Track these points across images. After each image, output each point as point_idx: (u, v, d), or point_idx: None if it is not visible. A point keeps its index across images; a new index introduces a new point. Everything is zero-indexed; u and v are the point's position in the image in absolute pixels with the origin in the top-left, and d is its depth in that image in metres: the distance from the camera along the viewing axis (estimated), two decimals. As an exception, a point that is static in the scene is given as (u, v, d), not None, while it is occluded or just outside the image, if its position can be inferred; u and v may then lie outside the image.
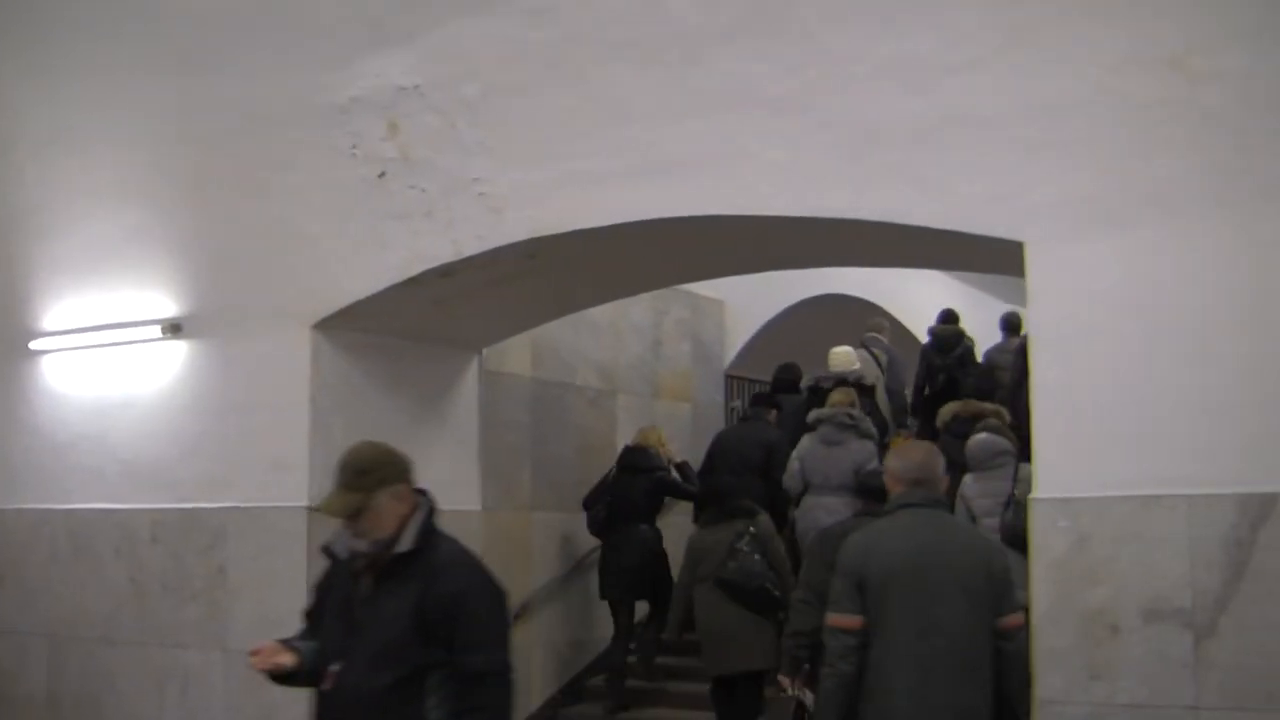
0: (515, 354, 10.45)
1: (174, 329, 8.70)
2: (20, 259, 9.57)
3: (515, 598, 10.06)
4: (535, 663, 10.77)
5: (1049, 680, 5.75)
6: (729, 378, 13.96)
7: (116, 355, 9.04)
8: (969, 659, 5.49)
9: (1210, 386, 5.61)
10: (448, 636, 4.75)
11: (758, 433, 11.30)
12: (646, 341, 12.46)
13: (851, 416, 10.19)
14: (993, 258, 6.63)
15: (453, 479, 9.16)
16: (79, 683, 9.06)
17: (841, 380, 11.23)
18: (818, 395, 11.15)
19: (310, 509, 8.04)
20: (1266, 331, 5.54)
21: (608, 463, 11.45)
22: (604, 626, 11.30)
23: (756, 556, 9.08)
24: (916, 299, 16.01)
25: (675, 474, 11.20)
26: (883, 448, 10.10)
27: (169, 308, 8.78)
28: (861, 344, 12.59)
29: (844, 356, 11.81)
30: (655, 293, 11.96)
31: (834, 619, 5.76)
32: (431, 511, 5.11)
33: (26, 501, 9.44)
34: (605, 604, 11.16)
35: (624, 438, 11.76)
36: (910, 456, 6.11)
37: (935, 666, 5.47)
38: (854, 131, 6.54)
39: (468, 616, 4.78)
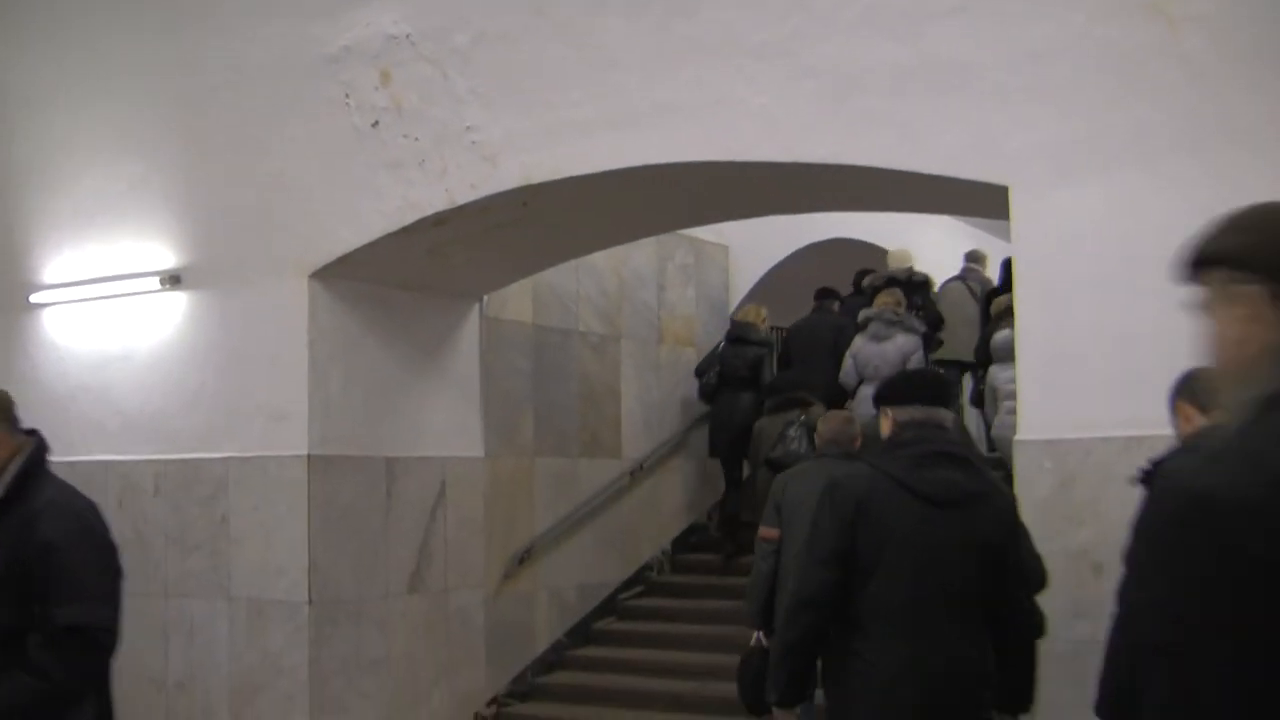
0: (516, 301, 10.48)
1: (173, 280, 8.75)
2: (18, 213, 9.61)
3: (518, 543, 10.20)
4: (540, 608, 10.86)
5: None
6: (734, 323, 13.94)
7: (116, 308, 9.09)
8: None
9: (1192, 329, 5.60)
10: (42, 592, 4.33)
11: (825, 319, 12.40)
12: (650, 287, 12.47)
13: (897, 314, 11.06)
14: (978, 202, 6.64)
15: (455, 426, 9.24)
16: (84, 633, 9.12)
17: (892, 280, 12.14)
18: (868, 296, 12.10)
19: (310, 457, 8.13)
20: (1244, 274, 5.53)
21: (611, 409, 11.51)
22: (607, 571, 11.44)
23: (803, 441, 9.77)
24: (924, 243, 15.97)
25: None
26: (929, 339, 11.41)
27: (167, 259, 8.82)
28: (959, 277, 13.46)
29: (900, 256, 12.92)
30: (658, 238, 12.01)
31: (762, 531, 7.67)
32: (37, 457, 4.65)
33: (29, 454, 9.45)
34: (612, 547, 11.66)
35: (627, 383, 11.83)
36: (829, 424, 7.93)
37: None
38: (839, 78, 6.55)
39: (59, 568, 4.34)
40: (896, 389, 5.52)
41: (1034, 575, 5.59)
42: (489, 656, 9.33)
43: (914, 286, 12.17)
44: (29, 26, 9.56)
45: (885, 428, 5.44)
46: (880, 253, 14.87)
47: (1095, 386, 5.85)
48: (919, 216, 13.90)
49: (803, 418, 10.02)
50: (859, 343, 11.08)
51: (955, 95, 6.24)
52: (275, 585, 8.25)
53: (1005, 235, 6.33)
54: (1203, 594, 2.17)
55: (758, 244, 13.98)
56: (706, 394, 12.26)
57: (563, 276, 10.95)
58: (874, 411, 9.54)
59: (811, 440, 9.56)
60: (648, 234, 10.30)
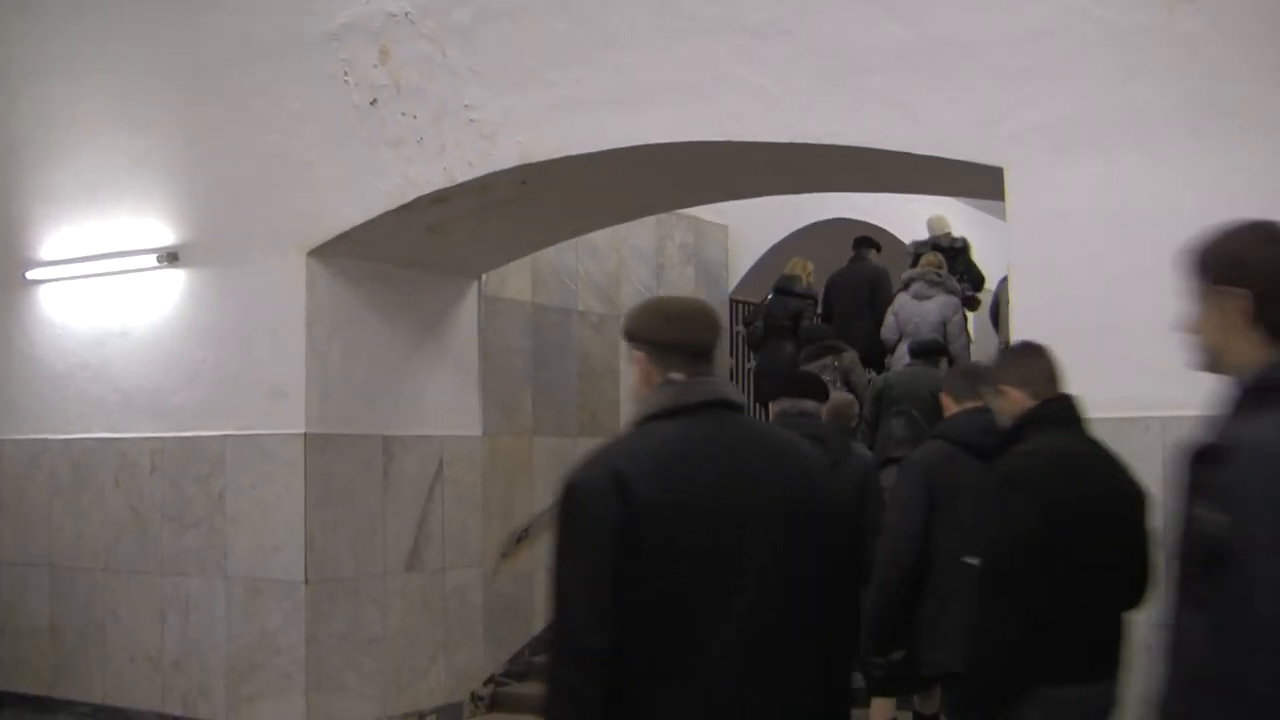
0: (515, 279, 10.45)
1: (170, 257, 8.75)
2: (15, 189, 9.62)
3: (516, 522, 10.19)
4: (538, 587, 10.83)
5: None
6: (734, 302, 13.92)
7: (113, 284, 9.09)
8: None
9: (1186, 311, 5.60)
10: None
11: (861, 270, 12.76)
12: (650, 266, 12.44)
13: (939, 275, 11.54)
14: (974, 182, 6.64)
15: (454, 405, 9.24)
16: (81, 612, 9.18)
17: (935, 245, 12.80)
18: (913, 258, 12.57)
19: (307, 435, 8.14)
20: (1241, 256, 5.54)
21: (610, 388, 11.49)
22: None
23: (838, 383, 10.03)
24: (923, 223, 15.95)
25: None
26: (969, 300, 12.16)
27: (165, 236, 8.82)
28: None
29: (938, 222, 13.57)
30: (658, 217, 11.98)
31: None
32: None
33: (26, 432, 9.54)
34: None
35: (626, 363, 11.75)
36: (833, 402, 7.71)
37: None
38: (838, 58, 6.55)
39: None
40: (775, 386, 6.83)
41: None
42: (486, 635, 9.34)
43: (955, 252, 12.87)
44: (26, 2, 9.54)
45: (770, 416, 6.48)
46: (879, 232, 14.89)
47: (1089, 366, 5.82)
48: (919, 196, 13.87)
49: (835, 363, 10.47)
50: (902, 299, 11.57)
51: (954, 75, 6.24)
52: (272, 563, 8.25)
53: (1002, 215, 6.31)
54: None
55: (758, 223, 13.94)
56: (754, 343, 12.72)
57: (562, 255, 10.92)
58: (909, 364, 10.37)
59: (846, 383, 10.22)
60: (647, 213, 10.30)
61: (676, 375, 3.29)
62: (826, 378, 9.93)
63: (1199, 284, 2.97)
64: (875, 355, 11.61)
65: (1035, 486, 4.19)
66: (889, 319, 11.64)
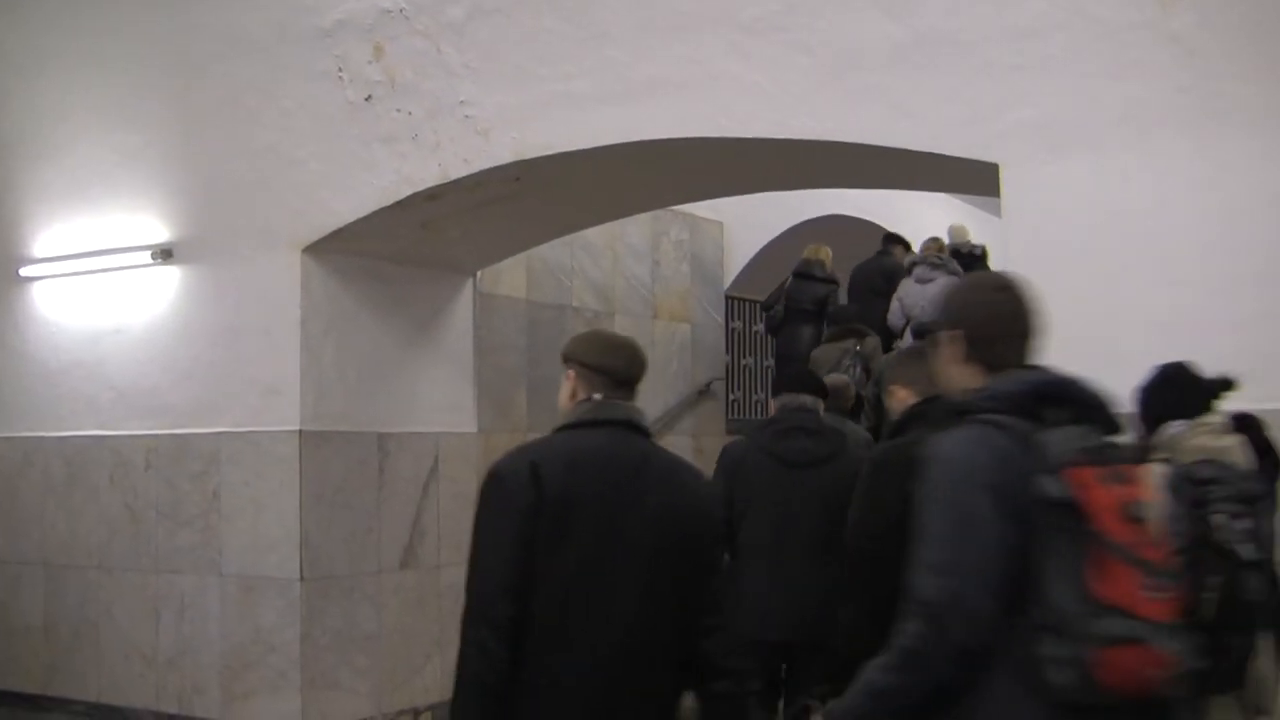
0: (510, 276, 10.44)
1: (165, 254, 8.73)
2: (8, 185, 9.60)
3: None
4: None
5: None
6: (729, 299, 13.93)
7: (107, 281, 9.07)
8: None
9: (1178, 308, 5.63)
10: None
11: (879, 263, 13.30)
12: (645, 263, 12.44)
13: (940, 258, 12.10)
14: (969, 179, 6.64)
15: (448, 402, 9.23)
16: (75, 611, 9.16)
17: (955, 252, 13.28)
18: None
19: (302, 432, 8.13)
20: (1234, 254, 5.56)
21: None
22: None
23: (857, 367, 10.60)
24: (919, 220, 15.97)
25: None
26: None
27: (159, 233, 8.80)
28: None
29: (959, 231, 14.26)
30: (653, 214, 11.96)
31: None
32: None
33: (19, 430, 9.50)
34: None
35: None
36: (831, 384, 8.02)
37: None
38: (832, 54, 6.54)
39: None
40: (775, 383, 7.37)
41: None
42: (481, 632, 9.30)
43: (973, 259, 13.38)
44: (19, -2, 9.55)
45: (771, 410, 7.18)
46: (874, 228, 14.94)
47: (1079, 362, 5.78)
48: (915, 193, 13.89)
49: (858, 347, 10.84)
50: (906, 285, 12.01)
51: (948, 72, 6.24)
52: (267, 561, 8.24)
53: (997, 211, 6.31)
54: None
55: (753, 220, 13.95)
56: (773, 327, 13.04)
57: (557, 252, 10.92)
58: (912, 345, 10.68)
59: (865, 369, 10.56)
60: (642, 210, 10.28)
61: (596, 395, 3.98)
62: (847, 361, 10.57)
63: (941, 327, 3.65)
64: (886, 341, 11.76)
65: (900, 474, 4.46)
66: (894, 305, 12.04)
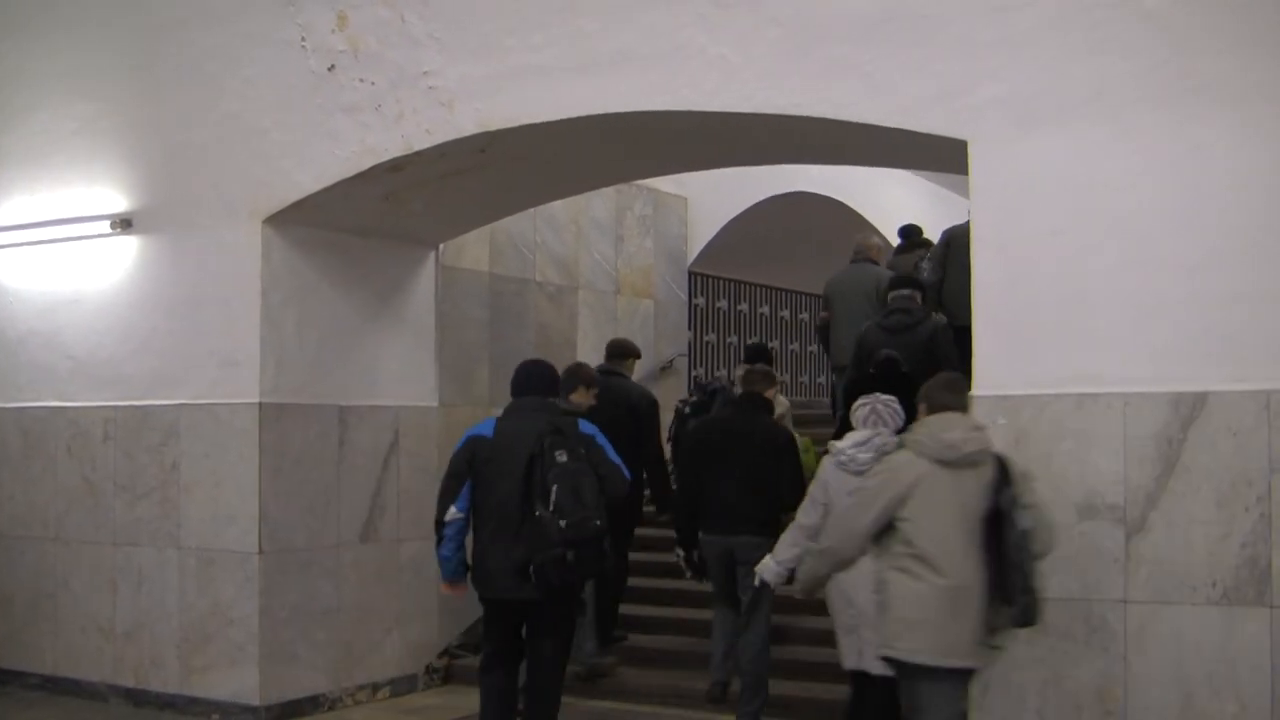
0: (473, 249, 10.38)
1: (124, 224, 8.65)
2: (-35, 153, 9.47)
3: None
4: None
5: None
6: (692, 274, 13.90)
7: (66, 251, 8.98)
8: None
9: (1147, 287, 5.63)
10: None
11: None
12: (608, 237, 12.38)
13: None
14: (938, 156, 6.60)
15: (410, 375, 9.17)
16: (31, 582, 9.11)
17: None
18: None
19: (261, 405, 8.07)
20: (1202, 233, 5.56)
21: (568, 359, 11.41)
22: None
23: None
24: (883, 198, 15.96)
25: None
26: None
27: (119, 203, 8.72)
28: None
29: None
30: (617, 188, 11.93)
31: None
32: None
33: (-24, 400, 9.41)
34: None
35: (584, 333, 11.75)
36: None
37: None
38: (801, 28, 6.50)
39: None
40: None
41: None
42: (441, 608, 9.25)
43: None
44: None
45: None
46: (840, 207, 14.90)
47: (1050, 342, 5.84)
48: (881, 171, 13.86)
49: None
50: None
51: (919, 47, 6.21)
52: (225, 534, 8.19)
53: (964, 191, 6.28)
54: None
55: (717, 195, 13.89)
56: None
57: (520, 225, 10.86)
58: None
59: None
60: (606, 183, 10.25)
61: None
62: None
63: None
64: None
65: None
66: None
